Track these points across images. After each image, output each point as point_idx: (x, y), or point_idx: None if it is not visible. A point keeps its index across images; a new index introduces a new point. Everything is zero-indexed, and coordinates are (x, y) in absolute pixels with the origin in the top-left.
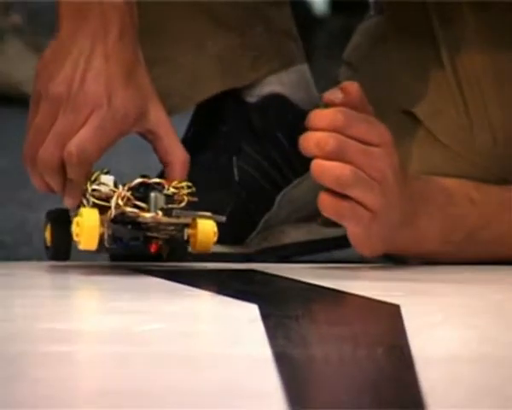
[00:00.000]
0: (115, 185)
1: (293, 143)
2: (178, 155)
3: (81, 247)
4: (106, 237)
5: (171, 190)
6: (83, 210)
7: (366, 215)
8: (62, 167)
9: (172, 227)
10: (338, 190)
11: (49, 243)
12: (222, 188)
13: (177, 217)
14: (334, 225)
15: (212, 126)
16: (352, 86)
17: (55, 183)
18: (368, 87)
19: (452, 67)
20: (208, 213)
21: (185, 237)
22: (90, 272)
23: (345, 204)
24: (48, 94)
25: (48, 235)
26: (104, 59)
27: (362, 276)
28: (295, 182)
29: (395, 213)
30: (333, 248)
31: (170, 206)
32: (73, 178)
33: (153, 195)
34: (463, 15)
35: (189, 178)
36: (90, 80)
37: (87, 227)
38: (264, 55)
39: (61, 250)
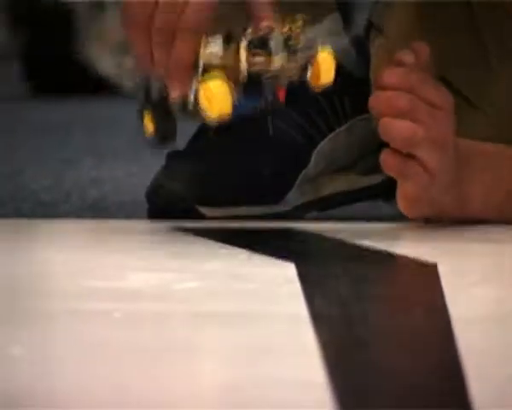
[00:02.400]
0: (227, 40)
1: (328, 96)
2: None
3: (215, 114)
4: (236, 101)
5: (282, 30)
6: (207, 81)
7: (426, 178)
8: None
9: (295, 70)
10: (405, 148)
11: (152, 129)
12: (258, 147)
13: (303, 52)
14: (371, 173)
15: None
16: (423, 47)
17: (164, 53)
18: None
19: (488, 30)
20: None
21: (308, 77)
22: (129, 230)
23: (409, 163)
24: None
25: (148, 121)
26: None
27: (399, 235)
28: (331, 135)
29: (447, 177)
30: (371, 197)
31: (291, 45)
32: (185, 48)
33: (273, 42)
34: None
35: (224, 138)
36: None
37: (218, 94)
38: (299, 8)
39: (168, 132)
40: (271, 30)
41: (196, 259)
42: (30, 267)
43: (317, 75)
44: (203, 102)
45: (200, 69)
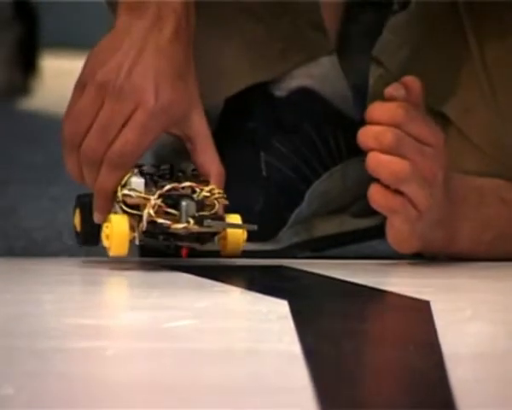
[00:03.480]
0: (146, 186)
1: (323, 136)
2: (214, 170)
3: (111, 253)
4: (137, 243)
5: (203, 194)
6: (112, 217)
7: (414, 213)
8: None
9: (201, 235)
10: (393, 184)
11: (78, 229)
12: (249, 184)
13: (209, 226)
14: (366, 216)
15: (239, 122)
16: (415, 83)
17: (91, 177)
18: None
19: (483, 64)
20: (239, 223)
21: (216, 244)
22: (120, 267)
23: (397, 199)
24: (94, 80)
25: (77, 221)
26: (155, 54)
27: (391, 272)
28: (325, 176)
29: (437, 213)
30: (364, 239)
31: (201, 213)
32: (107, 180)
33: (184, 203)
34: (494, 8)
35: None
36: (139, 72)
37: (117, 235)
38: (292, 47)
39: (91, 236)
40: (189, 192)
41: (188, 296)
42: (21, 306)
43: (223, 245)
44: (103, 234)
45: (118, 201)
